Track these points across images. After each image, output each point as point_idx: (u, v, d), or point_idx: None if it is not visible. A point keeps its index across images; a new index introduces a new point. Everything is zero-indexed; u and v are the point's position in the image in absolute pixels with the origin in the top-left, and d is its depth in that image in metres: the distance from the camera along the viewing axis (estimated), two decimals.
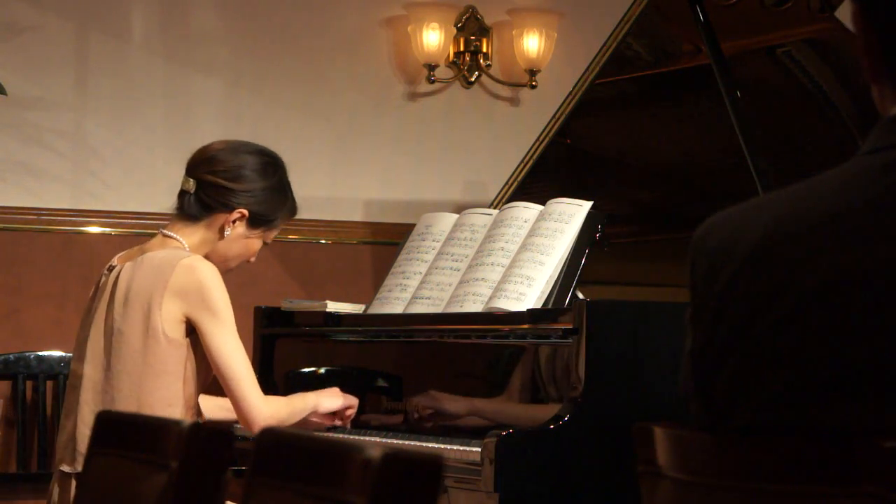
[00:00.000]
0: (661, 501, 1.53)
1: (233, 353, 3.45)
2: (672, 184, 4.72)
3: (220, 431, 1.90)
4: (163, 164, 5.44)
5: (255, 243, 3.65)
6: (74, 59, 5.38)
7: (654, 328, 3.49)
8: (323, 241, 5.65)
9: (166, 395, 3.45)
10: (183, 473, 1.86)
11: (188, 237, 3.58)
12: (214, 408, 3.76)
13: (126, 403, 3.44)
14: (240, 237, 3.61)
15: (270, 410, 3.51)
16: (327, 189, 5.67)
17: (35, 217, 5.28)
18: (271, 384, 4.27)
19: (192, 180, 3.58)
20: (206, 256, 3.58)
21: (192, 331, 3.48)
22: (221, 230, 3.58)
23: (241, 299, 5.38)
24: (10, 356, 5.07)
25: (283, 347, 4.32)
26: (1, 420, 5.15)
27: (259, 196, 3.59)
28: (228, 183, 3.56)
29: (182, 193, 3.60)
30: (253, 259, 3.70)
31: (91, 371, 3.51)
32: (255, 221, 3.61)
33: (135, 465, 2.02)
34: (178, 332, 3.46)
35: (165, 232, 3.61)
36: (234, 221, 3.58)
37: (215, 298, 3.45)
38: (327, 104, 5.69)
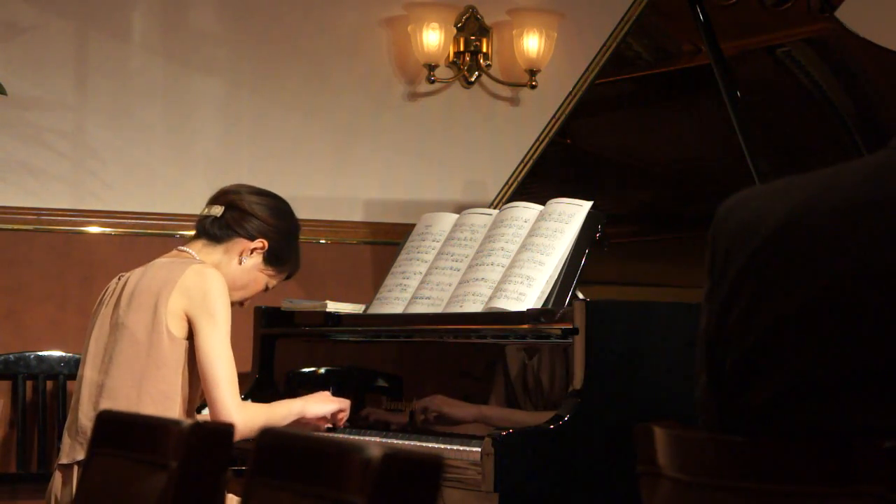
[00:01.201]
0: (661, 501, 1.53)
1: (219, 357, 3.52)
2: (672, 184, 4.72)
3: (220, 431, 1.90)
4: (162, 164, 5.44)
5: (262, 281, 3.78)
6: (74, 59, 5.37)
7: (654, 328, 3.49)
8: (323, 241, 5.64)
9: (165, 389, 3.52)
10: (183, 473, 1.86)
11: (204, 257, 3.71)
12: None
13: (126, 395, 3.51)
14: (253, 269, 3.74)
15: (244, 417, 3.54)
16: (327, 189, 5.67)
17: (35, 217, 5.28)
18: (271, 384, 4.27)
19: (219, 206, 3.72)
20: None
21: (192, 334, 3.53)
22: (239, 257, 3.71)
23: None
24: (10, 356, 5.07)
25: (283, 347, 4.32)
26: (1, 420, 5.15)
27: (280, 234, 3.75)
28: (259, 212, 3.72)
29: (204, 218, 3.73)
30: (246, 302, 3.79)
31: (90, 373, 3.58)
32: (271, 258, 3.75)
33: (135, 464, 2.02)
34: (180, 331, 3.55)
35: (181, 248, 3.74)
36: (252, 251, 3.71)
37: (217, 303, 3.54)
38: (327, 104, 5.69)
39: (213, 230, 3.70)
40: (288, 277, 3.85)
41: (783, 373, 1.49)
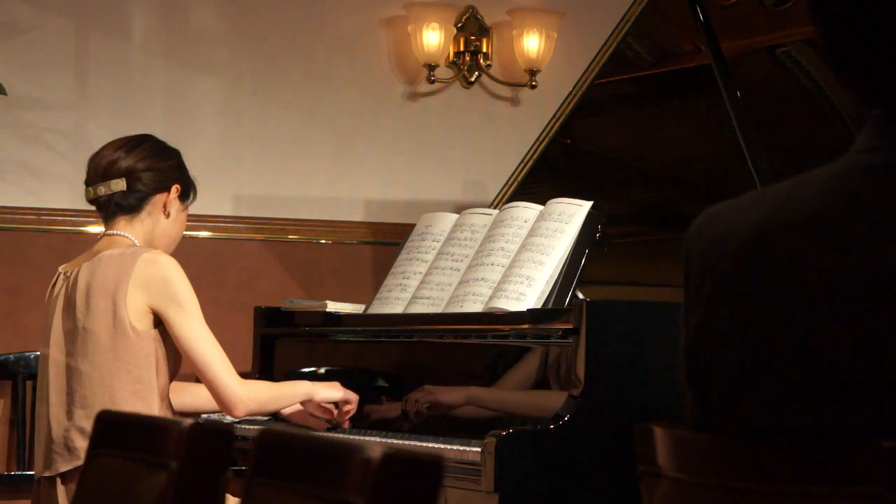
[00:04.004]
0: (661, 501, 1.53)
1: (203, 341, 3.49)
2: (672, 184, 4.72)
3: (220, 431, 1.90)
4: None
5: (184, 220, 3.73)
6: (74, 59, 5.38)
7: (654, 328, 3.49)
8: (323, 241, 5.65)
9: (139, 389, 3.46)
10: (183, 473, 1.86)
11: (134, 231, 3.63)
12: (184, 397, 3.79)
13: (100, 401, 3.44)
14: (177, 213, 3.69)
15: (247, 392, 3.53)
16: (327, 189, 5.67)
17: (35, 217, 5.28)
18: None
19: (116, 179, 3.62)
20: (158, 243, 3.64)
21: (160, 322, 3.51)
22: (164, 211, 3.65)
23: (241, 299, 5.38)
24: (10, 356, 5.07)
25: (283, 347, 4.32)
26: (1, 420, 5.15)
27: (179, 169, 3.70)
28: (153, 162, 3.65)
29: (109, 197, 3.62)
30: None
31: (57, 381, 3.52)
32: (184, 194, 3.70)
33: (135, 465, 2.02)
34: (145, 324, 3.49)
35: (110, 232, 3.65)
36: (172, 199, 3.66)
37: (180, 290, 3.49)
38: (327, 104, 5.69)
39: (127, 202, 3.62)
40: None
41: (773, 384, 1.49)
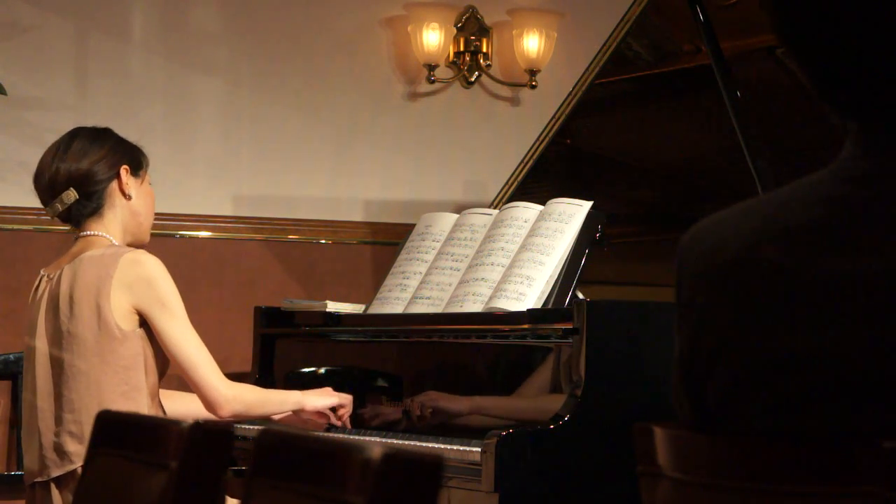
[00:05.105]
0: (660, 501, 1.54)
1: (187, 342, 3.46)
2: (672, 184, 4.72)
3: (220, 431, 1.90)
4: (162, 165, 5.43)
5: (149, 190, 3.69)
6: (74, 59, 5.38)
7: (654, 328, 3.49)
8: (323, 241, 5.64)
9: (127, 390, 3.44)
10: (183, 473, 1.86)
11: (106, 228, 3.60)
12: (176, 405, 3.78)
13: (87, 405, 3.42)
14: (138, 189, 3.64)
15: (233, 392, 3.50)
16: (327, 189, 5.67)
17: (35, 217, 5.28)
18: (271, 384, 4.27)
19: (67, 191, 3.58)
20: (137, 231, 3.64)
21: (145, 321, 3.48)
22: (122, 195, 3.61)
23: (241, 299, 5.38)
24: (10, 356, 5.07)
25: (283, 347, 4.33)
26: (1, 420, 5.15)
27: (119, 149, 3.64)
28: (92, 155, 3.59)
29: (67, 211, 3.60)
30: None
31: (45, 384, 3.51)
32: (134, 168, 3.65)
33: (135, 465, 2.02)
34: (130, 324, 3.46)
35: (84, 233, 3.62)
36: (125, 182, 3.61)
37: (163, 290, 3.46)
38: (327, 104, 5.69)
39: (88, 208, 3.59)
40: (147, 159, 3.75)
41: (771, 390, 1.49)
